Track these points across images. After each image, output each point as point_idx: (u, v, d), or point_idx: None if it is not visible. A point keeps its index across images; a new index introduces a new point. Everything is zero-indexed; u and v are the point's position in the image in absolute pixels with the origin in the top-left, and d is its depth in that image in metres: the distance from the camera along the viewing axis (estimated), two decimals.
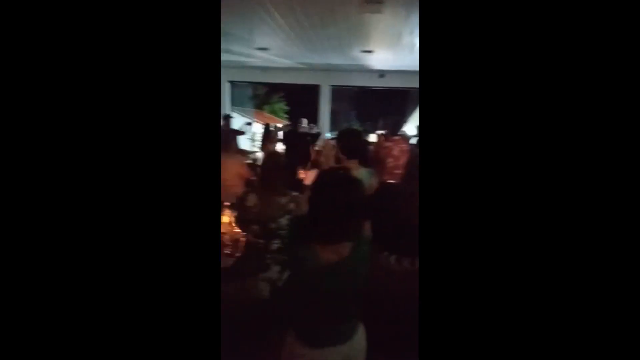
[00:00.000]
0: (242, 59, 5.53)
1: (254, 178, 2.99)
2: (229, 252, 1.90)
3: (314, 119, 6.39)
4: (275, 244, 1.56)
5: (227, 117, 5.69)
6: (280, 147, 4.90)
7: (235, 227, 2.06)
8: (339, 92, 6.95)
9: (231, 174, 2.69)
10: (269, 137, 4.30)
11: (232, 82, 6.95)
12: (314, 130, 5.72)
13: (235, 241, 1.94)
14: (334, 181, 0.93)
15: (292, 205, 1.54)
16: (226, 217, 2.13)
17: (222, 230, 2.07)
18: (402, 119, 10.61)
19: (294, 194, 1.58)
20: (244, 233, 1.92)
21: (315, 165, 3.97)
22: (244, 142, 5.36)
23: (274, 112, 17.55)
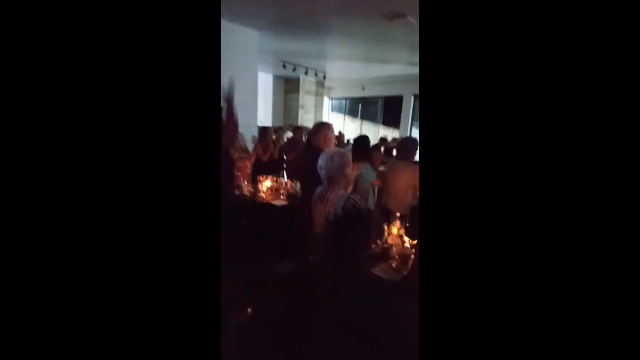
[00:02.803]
0: None
1: None
2: (395, 266, 1.74)
3: None
4: None
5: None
6: None
7: (406, 242, 1.88)
8: None
9: (406, 184, 2.56)
10: None
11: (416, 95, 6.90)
12: None
13: (403, 257, 1.77)
14: None
15: None
16: (395, 229, 1.99)
17: (390, 241, 1.94)
18: None
19: None
20: (414, 250, 1.72)
21: None
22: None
23: None
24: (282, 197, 2.78)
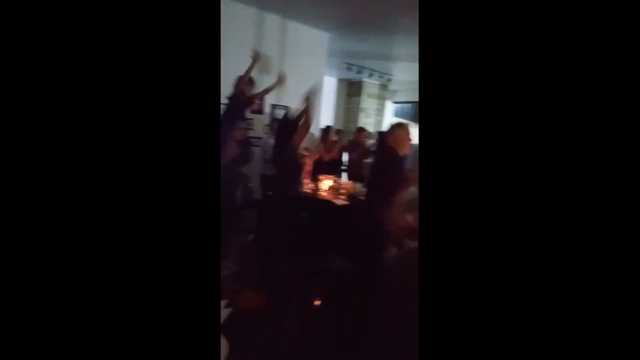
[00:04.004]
0: None
1: None
2: None
3: None
4: None
5: None
6: None
7: None
8: None
9: None
10: None
11: None
12: None
13: None
14: None
15: None
16: None
17: None
18: None
19: None
20: None
21: None
22: None
23: None
24: (342, 197, 2.76)
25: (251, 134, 3.42)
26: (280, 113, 3.97)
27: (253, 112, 3.73)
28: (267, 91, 2.88)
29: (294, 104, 4.11)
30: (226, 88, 2.63)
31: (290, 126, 2.20)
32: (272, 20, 3.77)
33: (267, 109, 3.90)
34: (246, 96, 2.63)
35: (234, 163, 2.27)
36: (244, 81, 2.55)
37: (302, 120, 2.07)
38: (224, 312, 0.88)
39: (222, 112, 2.70)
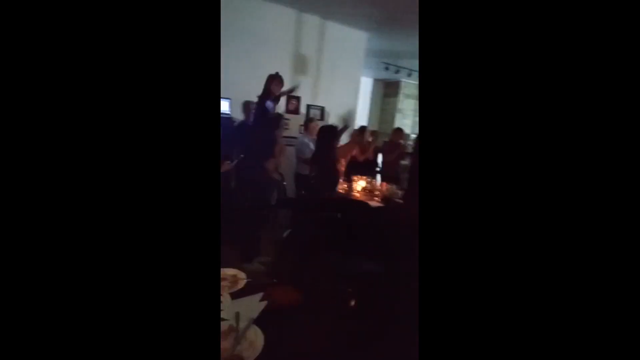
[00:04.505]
0: None
1: None
2: None
3: None
4: None
5: None
6: None
7: None
8: None
9: None
10: None
11: None
12: None
13: None
14: None
15: None
16: None
17: None
18: None
19: None
20: None
21: None
22: None
23: None
24: (376, 198, 2.72)
25: (286, 133, 3.48)
26: (315, 113, 4.02)
27: (289, 112, 3.81)
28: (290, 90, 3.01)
29: (330, 104, 4.14)
30: (261, 87, 2.72)
31: (334, 134, 2.22)
32: (312, 20, 3.81)
33: (302, 109, 3.96)
34: (274, 94, 2.75)
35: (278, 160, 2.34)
36: (273, 81, 2.68)
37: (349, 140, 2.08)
38: (260, 305, 0.90)
39: (253, 110, 2.84)
